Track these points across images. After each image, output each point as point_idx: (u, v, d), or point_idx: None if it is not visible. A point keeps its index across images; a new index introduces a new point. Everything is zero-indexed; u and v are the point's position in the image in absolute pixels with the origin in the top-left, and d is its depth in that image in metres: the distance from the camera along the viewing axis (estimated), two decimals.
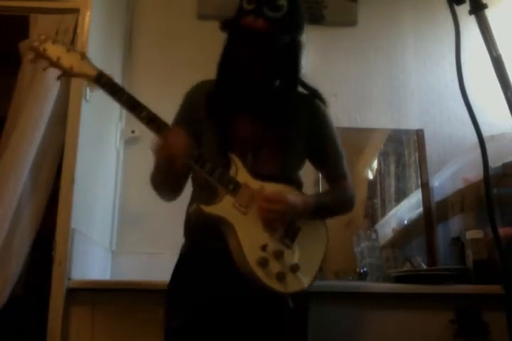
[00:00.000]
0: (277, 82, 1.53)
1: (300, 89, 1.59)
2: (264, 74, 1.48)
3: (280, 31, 1.41)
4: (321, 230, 1.53)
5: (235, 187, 1.40)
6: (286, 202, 1.40)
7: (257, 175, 1.45)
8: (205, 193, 1.45)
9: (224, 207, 1.38)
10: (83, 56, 1.39)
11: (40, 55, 1.36)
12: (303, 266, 1.42)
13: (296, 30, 1.47)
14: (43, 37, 1.37)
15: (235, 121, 1.49)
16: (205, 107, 1.51)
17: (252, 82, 1.48)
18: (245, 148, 1.48)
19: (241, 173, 1.43)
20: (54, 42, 1.37)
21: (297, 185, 1.56)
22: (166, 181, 1.52)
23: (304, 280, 1.42)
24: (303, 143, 1.55)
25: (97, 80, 1.38)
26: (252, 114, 1.50)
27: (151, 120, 1.38)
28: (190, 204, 1.57)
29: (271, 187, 1.44)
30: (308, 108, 1.57)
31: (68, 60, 1.37)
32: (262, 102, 1.50)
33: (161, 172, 1.48)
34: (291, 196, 1.43)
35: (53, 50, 1.36)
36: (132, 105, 1.38)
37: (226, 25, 1.43)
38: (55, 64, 1.36)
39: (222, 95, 1.50)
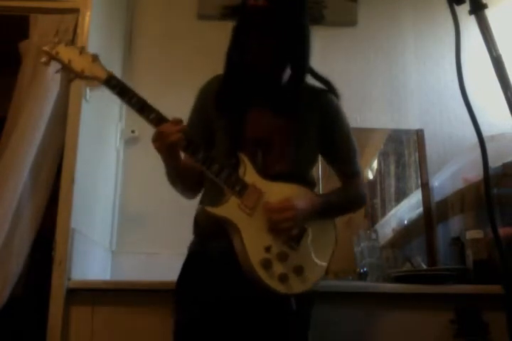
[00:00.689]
0: (286, 76, 1.52)
1: (312, 80, 1.58)
2: (273, 62, 1.47)
3: (281, 7, 1.41)
4: (329, 230, 1.53)
5: (241, 189, 1.40)
6: (293, 209, 1.40)
7: (266, 174, 1.45)
8: (214, 190, 1.45)
9: (229, 209, 1.38)
10: (94, 58, 1.41)
11: (53, 58, 1.38)
12: (308, 267, 1.42)
13: (298, 7, 1.47)
14: (56, 40, 1.40)
15: (245, 119, 1.49)
16: (215, 103, 1.51)
17: (261, 75, 1.48)
18: (255, 146, 1.47)
19: (249, 173, 1.43)
20: (67, 44, 1.39)
21: (309, 183, 1.55)
22: (176, 177, 1.53)
23: (307, 282, 1.42)
24: (315, 140, 1.54)
25: (107, 83, 1.39)
26: (262, 112, 1.49)
27: (160, 122, 1.37)
28: (201, 200, 1.58)
29: (279, 189, 1.44)
30: (320, 102, 1.55)
31: (80, 62, 1.39)
32: (271, 99, 1.49)
33: (167, 166, 1.48)
34: (298, 201, 1.42)
35: (65, 53, 1.38)
36: (141, 107, 1.38)
37: (229, 10, 1.44)
38: (67, 67, 1.38)
39: (231, 93, 1.50)
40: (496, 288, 1.74)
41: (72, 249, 1.87)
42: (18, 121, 2.00)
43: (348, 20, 2.86)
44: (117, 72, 2.57)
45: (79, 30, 2.08)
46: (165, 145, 1.37)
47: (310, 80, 1.59)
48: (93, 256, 2.21)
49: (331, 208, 1.50)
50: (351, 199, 1.59)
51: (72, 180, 1.92)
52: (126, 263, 2.42)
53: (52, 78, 1.99)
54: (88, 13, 2.10)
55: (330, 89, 1.59)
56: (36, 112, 2.00)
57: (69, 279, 1.84)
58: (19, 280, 1.93)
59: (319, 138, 1.54)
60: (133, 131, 2.57)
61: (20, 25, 2.13)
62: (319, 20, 2.80)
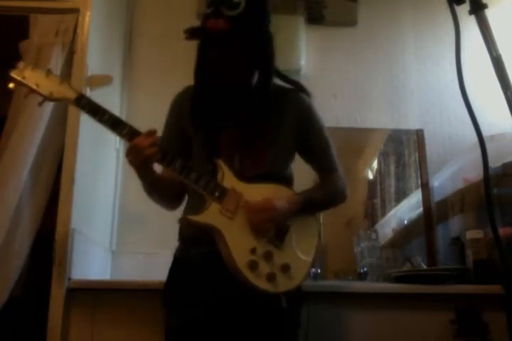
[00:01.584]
0: (255, 80, 1.53)
1: (282, 83, 1.60)
2: (238, 73, 1.49)
3: (241, 27, 1.42)
4: (311, 225, 1.54)
5: (221, 194, 1.42)
6: (273, 209, 1.42)
7: (244, 177, 1.47)
8: (196, 198, 1.47)
9: (211, 215, 1.40)
10: (62, 80, 1.41)
11: (19, 83, 1.39)
12: (294, 264, 1.43)
13: (259, 23, 1.48)
14: (22, 65, 1.41)
15: (220, 126, 1.51)
16: (189, 113, 1.53)
17: (229, 84, 1.49)
18: (232, 150, 1.49)
19: (227, 178, 1.45)
20: (33, 69, 1.40)
21: (286, 181, 1.57)
22: (152, 190, 1.54)
23: (295, 279, 1.43)
24: (289, 139, 1.56)
25: (77, 103, 1.40)
26: (236, 117, 1.51)
27: (133, 137, 1.38)
28: (185, 208, 1.59)
29: (257, 190, 1.46)
30: (290, 102, 1.57)
31: (47, 85, 1.39)
32: (243, 104, 1.51)
33: (141, 180, 1.49)
34: (277, 201, 1.43)
35: (32, 77, 1.39)
36: (113, 124, 1.40)
37: (189, 32, 1.44)
38: (35, 91, 1.39)
39: (203, 103, 1.52)
40: (496, 288, 1.74)
41: (72, 249, 1.87)
42: (18, 121, 2.00)
43: (348, 20, 2.85)
44: (117, 72, 2.58)
45: (79, 30, 2.08)
46: (139, 160, 1.38)
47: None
48: (93, 256, 2.21)
49: (310, 205, 1.51)
50: (330, 195, 1.59)
51: (72, 180, 1.92)
52: (126, 263, 2.42)
53: None
54: (88, 13, 2.10)
55: (299, 88, 1.60)
56: (36, 112, 1.99)
57: (69, 279, 1.85)
58: (19, 280, 1.93)
59: (293, 137, 1.56)
60: None
61: (20, 25, 2.13)
62: (319, 20, 2.81)
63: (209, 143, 1.50)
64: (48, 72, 1.41)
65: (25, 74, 1.38)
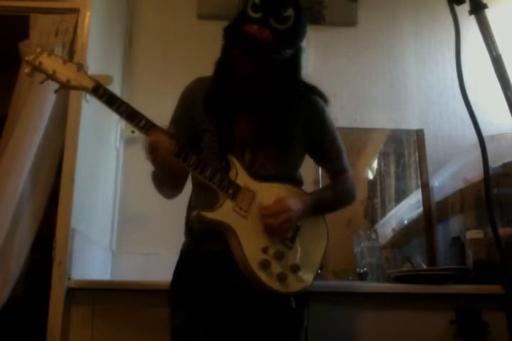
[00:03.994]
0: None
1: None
2: (264, 81, 1.46)
3: (285, 43, 1.39)
4: (320, 226, 1.54)
5: (234, 192, 1.41)
6: (288, 211, 1.41)
7: (256, 175, 1.46)
8: (204, 193, 1.46)
9: (224, 212, 1.39)
10: (79, 68, 1.38)
11: (36, 69, 1.35)
12: (304, 264, 1.44)
13: (300, 40, 1.46)
14: (38, 50, 1.36)
15: (233, 120, 1.49)
16: (203, 107, 1.51)
17: (251, 86, 1.47)
18: (244, 147, 1.49)
19: (241, 175, 1.44)
20: (50, 54, 1.36)
21: (297, 182, 1.57)
22: (166, 182, 1.53)
23: (305, 279, 1.43)
24: (302, 140, 1.55)
25: (95, 92, 1.37)
26: (251, 114, 1.50)
27: (150, 129, 1.37)
28: (190, 203, 1.58)
29: (270, 189, 1.45)
30: (306, 104, 1.56)
31: (65, 72, 1.36)
32: (260, 101, 1.49)
33: (159, 173, 1.49)
34: (291, 201, 1.43)
35: (49, 63, 1.35)
36: (130, 115, 1.37)
37: (229, 31, 1.40)
38: (52, 77, 1.35)
39: (220, 96, 1.50)
40: (495, 288, 1.75)
41: (72, 249, 1.87)
42: (18, 121, 2.00)
43: (348, 20, 2.86)
44: (117, 72, 2.59)
45: (79, 30, 2.08)
46: (158, 158, 1.36)
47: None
48: (93, 256, 2.21)
49: (321, 205, 1.52)
50: (340, 195, 1.59)
51: (72, 180, 1.92)
52: (126, 263, 2.42)
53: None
54: (88, 13, 2.10)
55: (316, 93, 1.59)
56: (36, 112, 1.99)
57: (69, 279, 1.84)
58: (19, 280, 1.93)
59: (306, 138, 1.56)
60: (133, 131, 2.56)
61: (20, 25, 2.13)
62: (319, 20, 2.81)
63: (222, 139, 1.48)
64: (65, 59, 1.38)
65: (41, 60, 1.34)
